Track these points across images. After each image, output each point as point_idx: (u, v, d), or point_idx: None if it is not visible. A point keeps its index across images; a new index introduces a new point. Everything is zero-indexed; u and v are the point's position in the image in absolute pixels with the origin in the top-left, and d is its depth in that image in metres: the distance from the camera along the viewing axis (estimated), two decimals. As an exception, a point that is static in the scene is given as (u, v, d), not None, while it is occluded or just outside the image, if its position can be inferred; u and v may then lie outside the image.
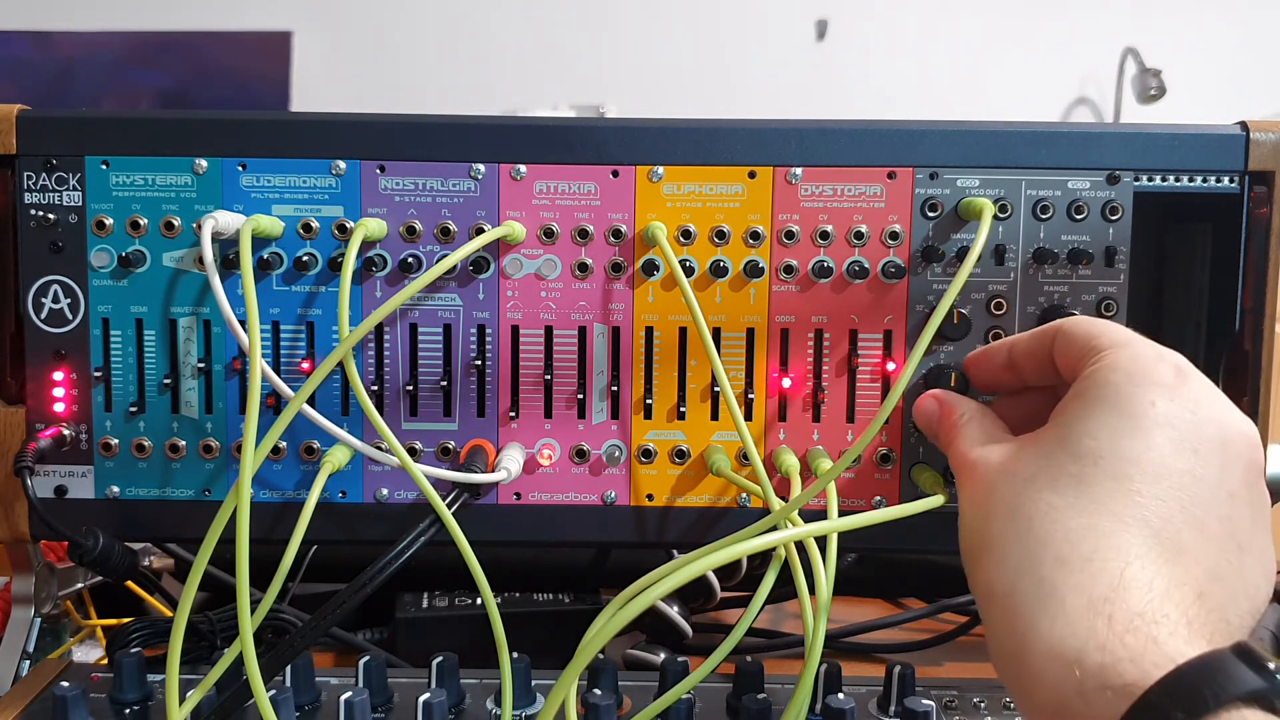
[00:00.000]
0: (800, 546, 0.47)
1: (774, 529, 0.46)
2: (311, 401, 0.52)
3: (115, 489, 0.53)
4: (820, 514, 0.47)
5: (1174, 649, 0.31)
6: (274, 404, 0.53)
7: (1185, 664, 0.31)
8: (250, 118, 0.52)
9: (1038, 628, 0.34)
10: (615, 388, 0.53)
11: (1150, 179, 0.52)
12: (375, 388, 0.53)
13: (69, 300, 0.53)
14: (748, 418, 0.53)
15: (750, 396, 0.53)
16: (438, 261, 0.51)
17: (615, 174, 0.52)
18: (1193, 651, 0.31)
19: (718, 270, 0.52)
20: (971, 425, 0.44)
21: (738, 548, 0.42)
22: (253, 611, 0.45)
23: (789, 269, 0.52)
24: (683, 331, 0.53)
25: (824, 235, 0.52)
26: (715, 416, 0.54)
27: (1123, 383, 0.38)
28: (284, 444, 0.53)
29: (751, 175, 0.52)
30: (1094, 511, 0.36)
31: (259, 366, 0.47)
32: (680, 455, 0.54)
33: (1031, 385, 0.45)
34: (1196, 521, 0.36)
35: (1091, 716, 0.31)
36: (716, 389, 0.53)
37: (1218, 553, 0.36)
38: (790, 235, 0.52)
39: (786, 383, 0.53)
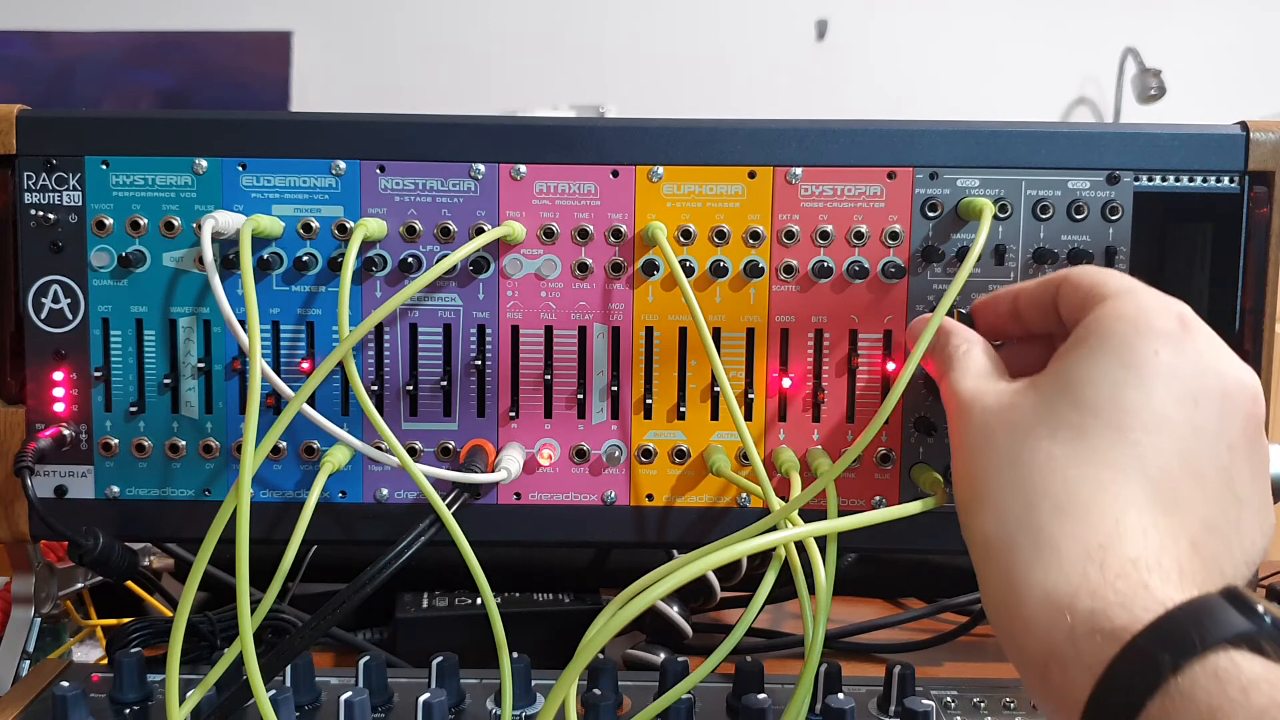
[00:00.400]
0: (800, 546, 0.47)
1: (774, 529, 0.46)
2: (311, 401, 0.52)
3: (115, 489, 0.53)
4: (820, 514, 0.47)
5: (1165, 595, 0.31)
6: (274, 404, 0.53)
7: (1174, 608, 0.31)
8: (250, 118, 0.52)
9: (1032, 576, 0.34)
10: (615, 388, 0.53)
11: (1150, 179, 0.52)
12: (375, 388, 0.53)
13: (69, 300, 0.53)
14: (748, 418, 0.53)
15: (750, 396, 0.53)
16: (438, 261, 0.51)
17: (615, 174, 0.52)
18: (1183, 598, 0.31)
19: (718, 270, 0.52)
20: (968, 358, 0.43)
21: (738, 548, 0.42)
22: (253, 611, 0.45)
23: (789, 269, 0.52)
24: (683, 331, 0.53)
25: (824, 235, 0.52)
26: (715, 416, 0.54)
27: (1127, 331, 0.38)
28: (284, 444, 0.53)
29: (751, 175, 0.52)
30: (1093, 462, 0.36)
31: (259, 366, 0.47)
32: (680, 455, 0.54)
33: (1034, 333, 0.45)
34: (1195, 473, 0.36)
35: (1081, 661, 0.31)
36: (716, 389, 0.53)
37: (1215, 504, 0.36)
38: (790, 235, 0.52)
39: (786, 383, 0.53)
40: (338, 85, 2.66)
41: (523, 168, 0.52)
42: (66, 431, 0.53)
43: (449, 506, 0.50)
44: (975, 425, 0.40)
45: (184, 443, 0.53)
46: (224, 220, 0.50)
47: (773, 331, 0.53)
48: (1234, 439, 0.37)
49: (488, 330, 0.53)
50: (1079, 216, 0.52)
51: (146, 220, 0.52)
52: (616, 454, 0.54)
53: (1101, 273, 0.41)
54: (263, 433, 0.47)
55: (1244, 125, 0.52)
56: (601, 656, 0.50)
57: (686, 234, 0.52)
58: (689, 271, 0.52)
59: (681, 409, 0.53)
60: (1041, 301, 0.44)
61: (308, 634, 0.47)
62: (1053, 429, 0.37)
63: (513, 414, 0.53)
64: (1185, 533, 0.34)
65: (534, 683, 0.51)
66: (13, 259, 0.53)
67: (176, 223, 0.52)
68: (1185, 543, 0.34)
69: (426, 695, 0.47)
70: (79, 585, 0.61)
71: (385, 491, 0.54)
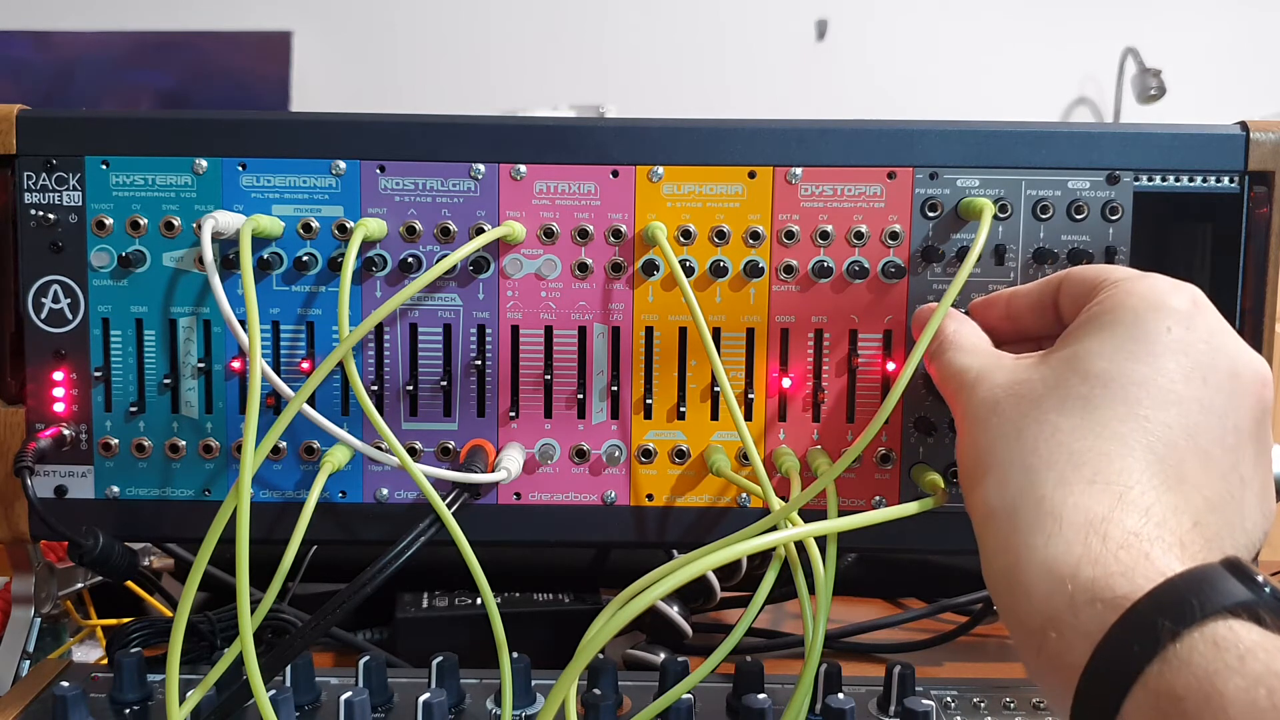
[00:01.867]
0: (800, 546, 0.47)
1: (774, 529, 0.46)
2: (311, 401, 0.52)
3: (115, 489, 0.53)
4: (820, 514, 0.47)
5: (1166, 565, 0.32)
6: (274, 404, 0.53)
7: (1175, 576, 0.31)
8: (250, 118, 0.52)
9: (1033, 544, 0.34)
10: (615, 388, 0.53)
11: (1150, 179, 0.52)
12: (375, 388, 0.53)
13: (69, 300, 0.53)
14: (748, 418, 0.53)
15: (750, 396, 0.53)
16: (438, 261, 0.51)
17: (615, 174, 0.52)
18: (1184, 569, 0.31)
19: (718, 270, 0.52)
20: (959, 335, 0.44)
21: (738, 548, 0.42)
22: (253, 611, 0.45)
23: (789, 269, 0.52)
24: (683, 331, 0.53)
25: (824, 235, 0.52)
26: (715, 416, 0.54)
27: (1139, 306, 0.38)
28: (284, 444, 0.53)
29: (751, 175, 0.52)
30: (1100, 434, 0.36)
31: (259, 366, 0.47)
32: (680, 455, 0.54)
33: (1027, 336, 0.46)
34: (1201, 451, 0.36)
35: (1080, 628, 0.32)
36: (716, 389, 0.53)
37: (1219, 483, 0.36)
38: (790, 235, 0.52)
39: (786, 383, 0.53)
40: (338, 85, 2.66)
41: (523, 168, 0.52)
42: (66, 431, 0.53)
43: (449, 506, 0.50)
44: (980, 399, 0.40)
45: (184, 443, 0.53)
46: (224, 220, 0.50)
47: (773, 331, 0.53)
48: (1241, 420, 0.37)
49: (488, 330, 0.53)
50: (1079, 216, 0.52)
51: (146, 220, 0.52)
52: (616, 454, 0.54)
53: (1105, 266, 0.42)
54: (263, 433, 0.47)
55: (1244, 125, 0.52)
56: (601, 656, 0.49)
57: (686, 234, 0.52)
58: (689, 271, 0.52)
59: (681, 409, 0.53)
60: (1039, 302, 0.44)
61: (308, 634, 0.47)
62: (1061, 401, 0.37)
63: (513, 414, 0.53)
64: (1188, 510, 0.34)
65: (534, 683, 0.51)
66: (13, 259, 0.53)
67: (176, 223, 0.52)
68: (1188, 520, 0.34)
69: (426, 695, 0.47)
70: (79, 585, 0.61)
71: (385, 491, 0.54)
